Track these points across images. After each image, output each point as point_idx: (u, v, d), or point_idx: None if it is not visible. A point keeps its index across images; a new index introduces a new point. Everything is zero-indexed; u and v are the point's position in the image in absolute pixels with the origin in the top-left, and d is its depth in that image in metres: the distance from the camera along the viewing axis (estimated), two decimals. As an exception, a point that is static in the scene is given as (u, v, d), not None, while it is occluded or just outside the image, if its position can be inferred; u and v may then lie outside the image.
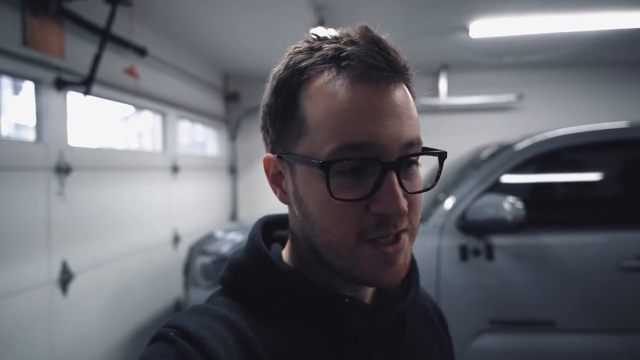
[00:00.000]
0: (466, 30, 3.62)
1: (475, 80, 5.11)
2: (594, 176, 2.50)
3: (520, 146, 2.36)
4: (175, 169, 3.84)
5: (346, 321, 0.52)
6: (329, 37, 0.50)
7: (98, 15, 2.60)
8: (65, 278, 2.44)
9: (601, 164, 2.48)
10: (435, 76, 5.12)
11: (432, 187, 0.52)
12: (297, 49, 0.52)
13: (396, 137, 0.47)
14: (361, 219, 0.47)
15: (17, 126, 2.65)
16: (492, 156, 2.44)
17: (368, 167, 0.47)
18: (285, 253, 0.58)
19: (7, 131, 2.51)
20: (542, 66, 4.85)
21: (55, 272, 2.38)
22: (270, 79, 0.53)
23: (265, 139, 0.56)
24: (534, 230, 2.20)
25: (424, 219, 2.37)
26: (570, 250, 2.16)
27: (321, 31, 0.53)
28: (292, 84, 0.50)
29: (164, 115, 3.84)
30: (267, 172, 0.55)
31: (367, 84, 0.47)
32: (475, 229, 2.20)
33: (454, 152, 4.00)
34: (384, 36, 0.49)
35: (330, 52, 0.48)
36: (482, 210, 2.14)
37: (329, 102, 0.47)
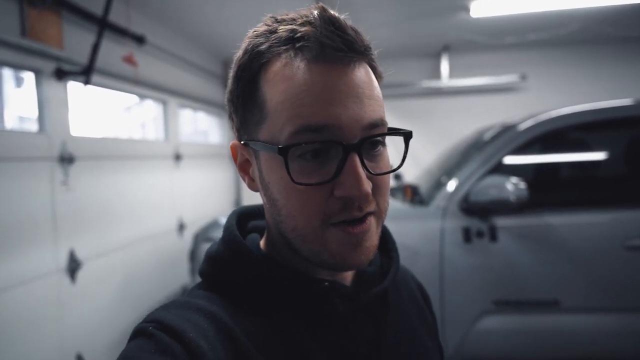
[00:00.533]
0: (467, 9, 3.57)
1: (477, 61, 5.05)
2: (598, 155, 2.48)
3: (523, 126, 2.34)
4: (177, 157, 3.85)
5: (327, 304, 0.52)
6: (286, 18, 0.49)
7: (95, 4, 2.58)
8: (73, 266, 2.47)
9: (605, 142, 2.46)
10: (437, 58, 5.07)
11: (397, 168, 0.52)
12: (255, 33, 0.51)
13: (357, 118, 0.46)
14: (325, 203, 0.47)
15: (21, 119, 2.66)
16: (495, 137, 2.42)
17: (330, 150, 0.47)
18: (262, 242, 0.58)
19: (12, 124, 2.51)
20: (545, 45, 4.78)
21: (63, 260, 2.41)
22: (232, 66, 0.53)
23: (231, 127, 0.55)
24: (538, 211, 2.20)
25: (426, 202, 2.38)
26: (574, 230, 2.16)
27: (280, 13, 0.51)
28: (251, 69, 0.49)
29: (164, 103, 3.83)
30: (235, 159, 0.55)
31: (324, 64, 0.46)
32: (478, 211, 2.20)
33: (457, 134, 4.01)
34: (342, 16, 0.48)
35: (285, 34, 0.48)
36: (485, 191, 2.14)
37: (287, 84, 0.46)
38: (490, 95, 5.06)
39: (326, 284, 0.52)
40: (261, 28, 0.51)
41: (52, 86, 2.45)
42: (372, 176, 0.48)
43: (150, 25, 3.46)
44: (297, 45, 0.47)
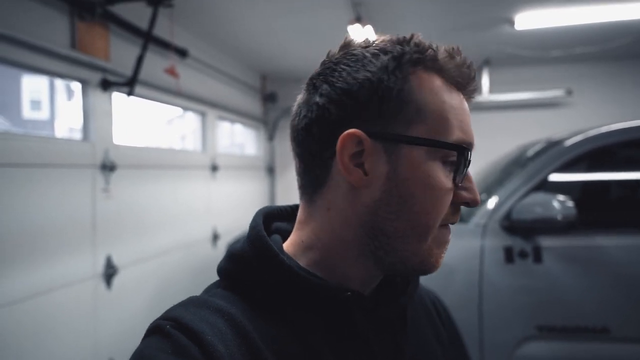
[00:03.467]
0: (511, 22, 3.47)
1: (520, 76, 4.90)
2: (652, 174, 2.32)
3: (570, 142, 2.22)
4: (214, 168, 3.91)
5: (347, 315, 0.51)
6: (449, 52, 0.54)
7: (141, 18, 2.68)
8: (110, 272, 2.52)
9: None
10: (477, 72, 4.94)
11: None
12: (398, 44, 0.53)
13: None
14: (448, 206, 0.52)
15: (71, 130, 2.78)
16: (539, 153, 2.31)
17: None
18: (289, 246, 0.56)
19: (62, 135, 2.63)
20: (592, 59, 4.59)
21: (100, 266, 2.46)
22: (380, 56, 0.51)
23: (340, 114, 0.51)
24: (587, 231, 2.07)
25: (465, 219, 2.28)
26: (626, 252, 2.01)
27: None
28: (401, 66, 0.51)
29: (203, 115, 3.91)
30: (342, 149, 0.50)
31: (464, 93, 0.54)
32: (521, 229, 2.08)
33: (497, 151, 3.87)
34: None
35: (441, 53, 0.52)
36: (529, 209, 2.03)
37: (447, 97, 0.51)
38: (533, 111, 4.88)
39: (349, 293, 0.51)
40: (394, 40, 0.54)
41: (98, 96, 2.55)
42: None
43: (192, 39, 3.57)
44: (449, 67, 0.52)
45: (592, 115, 4.48)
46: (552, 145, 2.31)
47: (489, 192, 2.37)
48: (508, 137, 4.45)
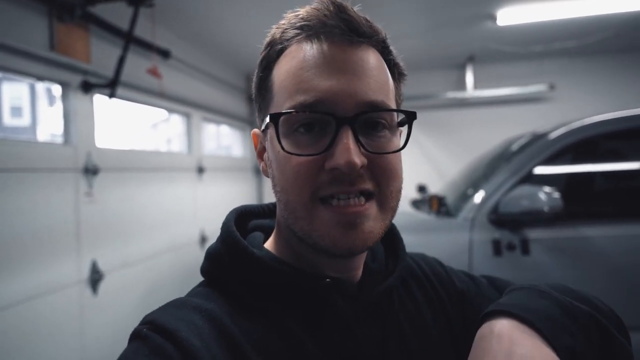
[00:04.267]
0: (493, 18, 3.50)
1: (504, 71, 4.95)
2: (635, 164, 2.35)
3: (554, 135, 2.24)
4: (200, 170, 3.87)
5: (327, 303, 0.51)
6: (301, 10, 0.52)
7: (122, 19, 2.64)
8: (96, 277, 2.47)
9: (643, 151, 2.33)
10: (462, 69, 4.99)
11: (400, 149, 0.51)
12: (275, 26, 0.54)
13: (351, 92, 0.47)
14: (315, 177, 0.47)
15: (54, 136, 2.72)
16: (525, 146, 2.33)
17: (326, 124, 0.47)
18: (270, 241, 0.58)
19: (44, 139, 2.57)
20: (574, 53, 4.65)
21: (85, 271, 2.42)
22: (261, 54, 0.55)
23: (256, 120, 0.58)
24: (573, 222, 2.09)
25: (453, 213, 2.29)
26: (612, 242, 2.03)
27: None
28: (269, 57, 0.53)
29: (188, 116, 3.87)
30: (255, 148, 0.58)
31: (324, 42, 0.48)
32: (509, 222, 2.10)
33: (482, 146, 3.90)
34: (356, 7, 0.51)
35: (294, 19, 0.51)
36: (516, 201, 2.04)
37: (290, 64, 0.49)
38: (517, 106, 4.93)
39: (327, 280, 0.51)
40: (282, 21, 0.54)
41: (79, 99, 2.49)
42: (369, 154, 0.48)
43: (175, 39, 3.52)
44: (300, 24, 0.50)
45: (574, 109, 4.54)
46: (537, 138, 2.33)
47: (476, 186, 2.38)
48: (493, 132, 4.49)
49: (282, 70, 0.50)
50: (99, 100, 2.70)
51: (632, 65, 4.71)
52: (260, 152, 0.57)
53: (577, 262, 2.04)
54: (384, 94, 0.50)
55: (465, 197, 2.38)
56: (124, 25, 2.62)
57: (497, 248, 2.09)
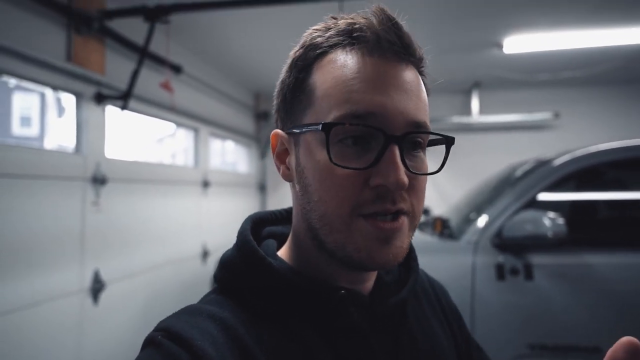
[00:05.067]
0: (500, 46, 3.56)
1: (509, 98, 5.00)
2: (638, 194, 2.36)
3: (558, 161, 2.26)
4: (206, 184, 3.89)
5: (342, 314, 0.50)
6: (345, 16, 0.52)
7: (137, 33, 2.70)
8: (97, 287, 2.47)
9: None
10: (467, 94, 5.05)
11: (437, 172, 0.50)
12: (313, 29, 0.53)
13: (402, 111, 0.47)
14: (359, 192, 0.46)
15: (61, 147, 2.76)
16: (529, 172, 2.35)
17: (372, 138, 0.47)
18: (284, 249, 0.57)
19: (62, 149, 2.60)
20: (579, 83, 4.71)
21: (87, 281, 2.42)
22: (288, 60, 0.54)
23: (276, 120, 0.56)
24: (577, 249, 2.08)
25: (456, 236, 2.29)
26: (617, 270, 2.03)
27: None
28: (306, 59, 0.51)
29: (196, 131, 3.92)
30: (273, 149, 0.55)
31: (377, 56, 0.47)
32: (512, 247, 2.10)
33: (486, 171, 3.92)
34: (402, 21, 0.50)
35: (343, 26, 0.49)
36: (520, 226, 2.04)
37: (339, 71, 0.48)
38: (522, 133, 4.97)
39: (342, 292, 0.50)
40: (319, 25, 0.53)
41: (91, 109, 2.54)
42: (409, 174, 0.47)
43: (187, 55, 3.60)
44: (354, 34, 0.48)
45: (578, 138, 4.57)
46: (541, 164, 2.35)
47: (480, 210, 2.38)
48: (497, 157, 4.52)
49: (328, 76, 0.48)
50: (111, 111, 2.75)
51: (634, 96, 4.76)
52: (281, 155, 0.55)
53: (581, 289, 2.03)
54: (426, 114, 0.50)
55: (469, 220, 2.39)
56: (138, 39, 2.69)
57: (500, 272, 2.09)
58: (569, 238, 2.01)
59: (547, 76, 4.37)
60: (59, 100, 2.63)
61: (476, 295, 2.08)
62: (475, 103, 4.99)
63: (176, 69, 3.32)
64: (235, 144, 5.06)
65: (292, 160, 0.53)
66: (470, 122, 4.97)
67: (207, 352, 0.42)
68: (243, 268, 0.52)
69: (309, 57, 0.51)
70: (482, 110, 5.01)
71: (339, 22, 0.50)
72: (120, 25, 2.67)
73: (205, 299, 0.53)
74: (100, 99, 2.58)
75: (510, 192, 2.26)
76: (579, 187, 2.36)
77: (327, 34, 0.50)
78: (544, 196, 2.23)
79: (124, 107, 2.68)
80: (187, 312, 0.48)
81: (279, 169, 0.55)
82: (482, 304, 2.07)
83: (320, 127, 0.46)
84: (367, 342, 0.51)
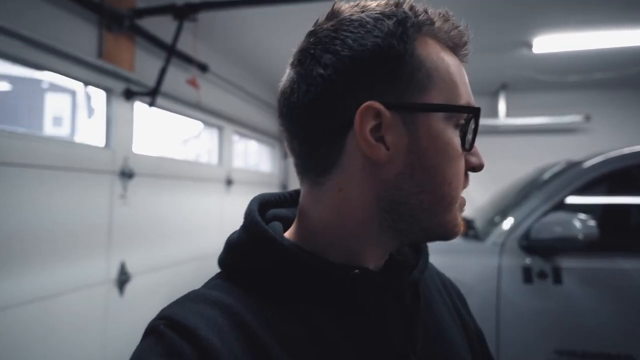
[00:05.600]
0: (529, 46, 3.49)
1: (537, 100, 4.89)
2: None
3: (590, 163, 2.19)
4: (229, 182, 3.93)
5: (356, 293, 0.49)
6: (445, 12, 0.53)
7: (166, 32, 2.76)
8: (123, 279, 2.52)
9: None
10: (494, 96, 4.96)
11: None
12: (396, 3, 0.50)
13: None
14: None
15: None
16: (558, 174, 2.28)
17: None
18: (289, 233, 0.54)
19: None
20: (611, 85, 4.56)
21: (113, 272, 2.47)
22: (384, 21, 0.47)
23: (350, 86, 0.47)
24: (609, 253, 2.01)
25: (481, 238, 2.25)
26: (650, 277, 1.95)
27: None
28: (410, 33, 0.48)
29: (220, 129, 3.96)
30: (361, 123, 0.46)
31: (459, 56, 0.53)
32: (540, 249, 2.04)
33: (512, 175, 3.83)
34: None
35: (436, 16, 0.50)
36: (549, 228, 1.99)
37: (452, 62, 0.50)
38: (551, 136, 4.85)
39: (356, 271, 0.48)
40: (391, 6, 0.50)
41: (121, 105, 2.60)
42: None
43: (213, 54, 3.65)
44: (456, 37, 0.52)
45: (610, 142, 4.41)
46: (572, 166, 2.28)
47: (506, 212, 2.33)
48: (524, 161, 4.41)
49: (445, 64, 0.49)
50: (139, 107, 2.81)
51: (672, 99, 4.58)
52: (374, 131, 0.47)
53: (613, 295, 1.96)
54: None
55: (495, 222, 2.34)
56: (167, 38, 2.74)
57: (527, 275, 2.03)
58: (601, 241, 1.94)
59: (578, 77, 4.25)
60: (89, 100, 2.71)
61: (502, 298, 2.03)
62: (502, 105, 4.89)
63: (202, 68, 3.37)
64: (259, 143, 5.10)
65: (398, 139, 0.47)
66: (497, 124, 4.88)
67: (212, 342, 0.41)
68: (252, 249, 0.50)
69: (411, 31, 0.48)
70: (509, 113, 4.91)
71: (428, 10, 0.51)
72: (149, 24, 2.73)
73: (209, 284, 0.52)
74: (129, 95, 2.64)
75: (539, 194, 2.20)
76: (610, 190, 2.28)
77: (424, 17, 0.49)
78: (573, 199, 2.16)
79: (151, 104, 2.73)
80: (191, 299, 0.47)
81: (370, 148, 0.47)
82: (508, 307, 2.02)
83: (476, 110, 0.49)
84: (382, 322, 0.49)
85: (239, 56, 3.92)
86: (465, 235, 2.39)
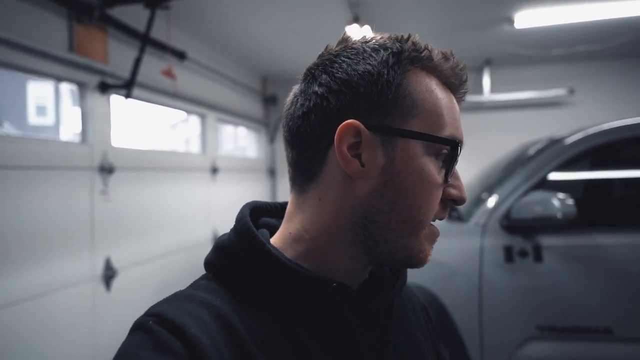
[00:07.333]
0: (511, 21, 3.45)
1: (521, 75, 4.87)
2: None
3: (571, 140, 2.20)
4: (214, 170, 3.91)
5: (334, 306, 0.51)
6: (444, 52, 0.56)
7: (139, 20, 2.68)
8: (109, 274, 2.52)
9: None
10: (478, 72, 4.93)
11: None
12: (397, 39, 0.54)
13: None
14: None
15: (76, 135, 2.77)
16: (540, 151, 2.29)
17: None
18: (274, 238, 0.57)
19: (64, 138, 2.62)
20: (594, 57, 4.55)
21: (99, 268, 2.46)
22: (380, 52, 0.52)
23: (338, 104, 0.51)
24: (587, 230, 2.04)
25: (464, 218, 2.26)
26: (628, 251, 1.98)
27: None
28: (403, 65, 0.52)
29: (203, 117, 3.91)
30: (340, 139, 0.50)
31: (455, 95, 0.55)
32: (521, 228, 2.06)
33: (498, 151, 3.84)
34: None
35: (436, 54, 0.53)
36: (529, 207, 2.00)
37: (442, 96, 0.53)
38: (535, 110, 4.85)
39: (334, 284, 0.51)
40: (393, 40, 0.54)
41: (96, 99, 2.55)
42: None
43: (190, 41, 3.57)
44: (453, 74, 0.54)
45: (595, 114, 4.43)
46: (553, 143, 2.29)
47: (490, 191, 2.34)
48: (510, 137, 4.42)
49: (433, 95, 0.52)
50: (116, 100, 2.75)
51: (655, 69, 4.58)
52: (353, 148, 0.51)
53: (592, 270, 1.99)
54: None
55: (477, 202, 2.35)
56: (140, 26, 2.67)
57: (508, 254, 2.06)
58: (580, 219, 1.97)
59: (561, 51, 4.24)
60: (73, 89, 2.64)
61: (484, 277, 2.06)
62: (486, 81, 4.87)
63: (180, 55, 3.30)
64: (244, 129, 5.05)
65: (374, 158, 0.51)
66: (482, 100, 4.87)
67: (200, 340, 0.42)
68: (241, 254, 0.51)
69: (404, 63, 0.52)
70: (494, 89, 4.90)
71: (433, 49, 0.54)
72: (121, 13, 2.65)
73: (195, 285, 0.53)
74: (105, 88, 2.58)
75: (520, 172, 2.22)
76: (592, 166, 2.30)
77: (423, 53, 0.53)
78: (555, 176, 2.17)
79: (127, 96, 2.68)
80: (179, 298, 0.48)
81: (346, 162, 0.50)
82: (490, 286, 2.06)
83: (453, 143, 0.51)
84: (355, 337, 0.52)
85: (218, 41, 3.85)
86: (449, 217, 2.41)
